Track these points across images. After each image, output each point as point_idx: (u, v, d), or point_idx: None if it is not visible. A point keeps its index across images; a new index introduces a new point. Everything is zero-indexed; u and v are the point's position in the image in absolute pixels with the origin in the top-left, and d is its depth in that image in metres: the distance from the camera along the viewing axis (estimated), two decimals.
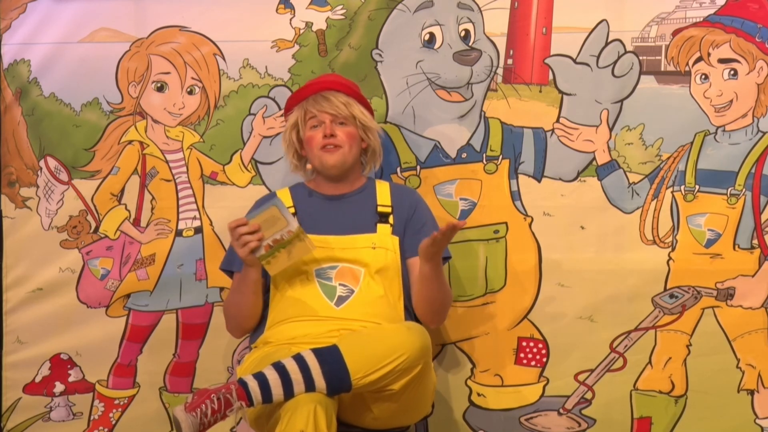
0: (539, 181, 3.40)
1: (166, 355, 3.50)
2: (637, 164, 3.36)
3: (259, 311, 3.09)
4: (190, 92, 3.48)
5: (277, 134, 3.42)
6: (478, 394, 3.44)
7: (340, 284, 3.04)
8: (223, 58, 3.47)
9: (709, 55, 3.33)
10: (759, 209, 3.34)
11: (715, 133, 3.34)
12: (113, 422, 3.51)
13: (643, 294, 3.37)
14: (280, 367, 2.74)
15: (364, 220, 3.13)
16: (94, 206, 3.50)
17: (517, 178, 3.40)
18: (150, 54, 3.48)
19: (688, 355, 3.38)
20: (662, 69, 3.36)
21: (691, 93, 3.35)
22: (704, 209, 3.35)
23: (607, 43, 3.36)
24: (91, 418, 3.52)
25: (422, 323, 3.01)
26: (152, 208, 3.49)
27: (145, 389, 3.51)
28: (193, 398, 2.71)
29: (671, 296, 3.36)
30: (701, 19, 3.34)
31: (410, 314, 3.10)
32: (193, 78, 3.48)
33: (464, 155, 3.41)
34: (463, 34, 3.40)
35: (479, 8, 3.40)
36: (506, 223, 3.41)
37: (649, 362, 3.39)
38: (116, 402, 3.51)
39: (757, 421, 3.37)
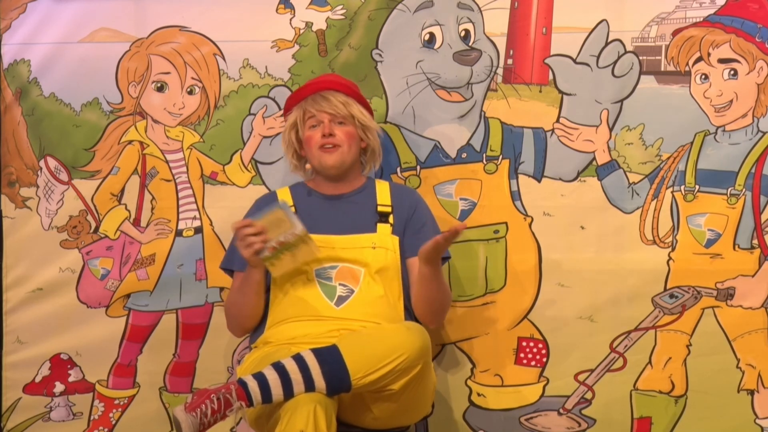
0: (539, 181, 3.40)
1: (166, 355, 3.50)
2: (637, 164, 3.36)
3: (261, 311, 3.09)
4: (190, 92, 3.48)
5: (277, 134, 3.42)
6: (478, 394, 3.44)
7: (340, 284, 3.04)
8: (223, 58, 3.47)
9: (709, 55, 3.33)
10: (759, 209, 3.34)
11: (715, 133, 3.34)
12: (113, 422, 3.51)
13: (643, 294, 3.37)
14: (279, 367, 2.74)
15: (364, 219, 3.13)
16: (94, 206, 3.50)
17: (517, 178, 3.40)
18: (150, 54, 3.48)
19: (688, 355, 3.38)
20: (662, 69, 3.36)
21: (691, 93, 3.35)
22: (704, 209, 3.35)
23: (607, 43, 3.36)
24: (91, 418, 3.52)
25: (421, 323, 3.01)
26: (152, 208, 3.49)
27: (145, 389, 3.51)
28: (193, 398, 2.71)
29: (671, 296, 3.36)
30: (701, 19, 3.34)
31: (410, 314, 3.10)
32: (193, 78, 3.48)
33: (464, 155, 3.41)
34: (463, 34, 3.40)
35: (479, 8, 3.40)
36: (506, 223, 3.41)
37: (649, 362, 3.39)
38: (116, 402, 3.51)
39: (757, 421, 3.37)
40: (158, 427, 3.50)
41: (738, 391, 3.37)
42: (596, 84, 3.36)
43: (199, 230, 3.48)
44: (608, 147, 3.37)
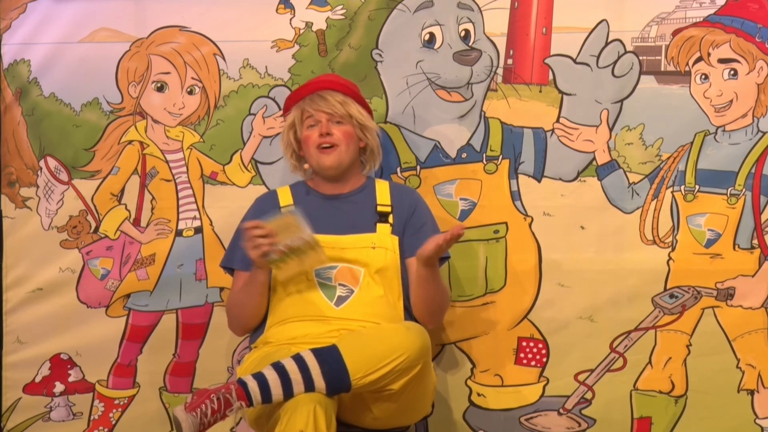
0: (539, 181, 3.39)
1: (166, 355, 3.50)
2: (637, 164, 3.36)
3: (264, 311, 3.08)
4: (190, 92, 3.48)
5: (277, 134, 3.42)
6: (478, 394, 3.44)
7: (339, 284, 3.04)
8: (223, 58, 3.47)
9: (709, 55, 3.33)
10: (759, 209, 3.34)
11: (715, 133, 3.34)
12: (113, 422, 3.51)
13: (643, 294, 3.37)
14: (279, 368, 2.74)
15: (364, 219, 3.13)
16: (94, 206, 3.50)
17: (517, 178, 3.40)
18: (150, 54, 3.48)
19: (688, 355, 3.37)
20: (662, 69, 3.36)
21: (691, 93, 3.35)
22: (704, 209, 3.35)
23: (607, 43, 3.36)
24: (91, 418, 3.52)
25: (421, 323, 3.01)
26: (152, 208, 3.49)
27: (145, 389, 3.51)
28: (193, 398, 2.71)
29: (671, 296, 3.36)
30: (701, 19, 3.34)
31: (410, 314, 3.10)
32: (193, 78, 3.48)
33: (464, 155, 3.41)
34: (463, 34, 3.40)
35: (479, 8, 3.40)
36: (506, 223, 3.41)
37: (649, 362, 3.38)
38: (116, 402, 3.51)
39: (757, 421, 3.37)
40: (158, 427, 3.50)
41: (738, 391, 3.36)
42: (596, 84, 3.36)
43: (199, 230, 3.48)
44: (608, 147, 3.37)
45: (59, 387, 3.51)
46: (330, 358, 2.75)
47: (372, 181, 3.23)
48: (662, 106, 3.35)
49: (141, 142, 3.49)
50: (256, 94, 3.45)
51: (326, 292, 3.03)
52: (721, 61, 3.33)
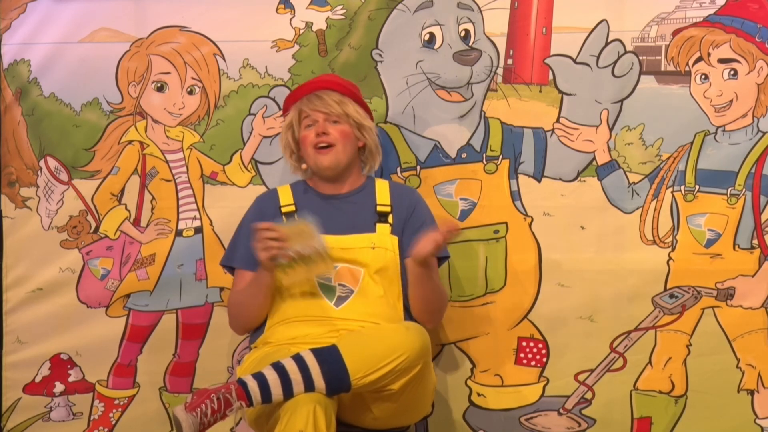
0: (539, 181, 3.39)
1: (166, 355, 3.50)
2: (637, 164, 3.36)
3: (266, 312, 3.07)
4: (190, 92, 3.48)
5: (277, 134, 3.42)
6: (478, 394, 3.44)
7: (339, 284, 3.04)
8: (223, 58, 3.47)
9: (709, 55, 3.33)
10: (759, 209, 3.34)
11: (715, 133, 3.34)
12: (113, 422, 3.51)
13: (643, 294, 3.37)
14: (279, 368, 2.74)
15: (364, 219, 3.12)
16: (94, 206, 3.50)
17: (517, 178, 3.40)
18: (150, 54, 3.48)
19: (688, 355, 3.37)
20: (662, 69, 3.36)
21: (691, 93, 3.35)
22: (704, 209, 3.35)
23: (607, 43, 3.36)
24: (91, 418, 3.52)
25: (420, 323, 3.00)
26: (152, 208, 3.49)
27: (145, 389, 3.51)
28: (193, 398, 2.71)
29: (671, 296, 3.36)
30: (701, 19, 3.34)
31: (410, 314, 3.10)
32: (193, 78, 3.48)
33: (464, 155, 3.41)
34: (463, 34, 3.40)
35: (479, 8, 3.40)
36: (506, 223, 3.41)
37: (649, 362, 3.38)
38: (116, 402, 3.51)
39: (757, 421, 3.37)
40: (158, 427, 3.50)
41: (738, 391, 3.36)
42: (596, 84, 3.36)
43: (199, 230, 3.48)
44: (608, 147, 3.37)
45: (59, 387, 3.51)
46: (330, 358, 2.75)
47: (372, 181, 3.23)
48: (662, 106, 3.35)
49: (141, 142, 3.49)
50: (256, 94, 3.45)
51: (326, 293, 3.03)
52: (721, 61, 3.33)
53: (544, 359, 3.41)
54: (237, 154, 3.47)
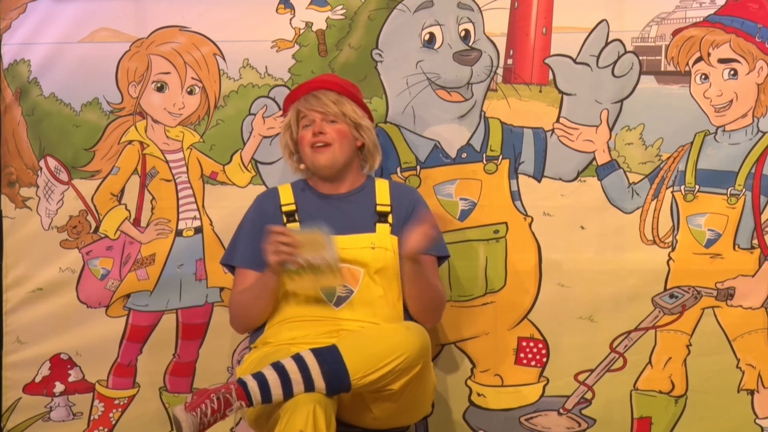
0: (539, 181, 3.39)
1: (166, 355, 3.50)
2: (637, 164, 3.36)
3: (269, 313, 3.06)
4: (190, 92, 3.48)
5: (277, 134, 3.42)
6: (478, 394, 3.44)
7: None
8: (223, 58, 3.47)
9: (709, 55, 3.33)
10: (759, 209, 3.34)
11: (715, 133, 3.34)
12: (113, 422, 3.51)
13: (643, 294, 3.37)
14: (279, 367, 2.74)
15: (364, 219, 3.12)
16: (94, 206, 3.50)
17: (517, 178, 3.40)
18: (150, 54, 3.48)
19: (688, 355, 3.37)
20: (662, 69, 3.36)
21: (691, 93, 3.35)
22: (704, 209, 3.35)
23: (607, 43, 3.36)
24: (91, 418, 3.52)
25: (418, 322, 3.00)
26: (152, 208, 3.49)
27: (145, 389, 3.51)
28: (193, 398, 2.71)
29: (671, 296, 3.36)
30: (701, 19, 3.34)
31: (410, 314, 3.10)
32: (193, 78, 3.48)
33: (464, 155, 3.41)
34: (463, 34, 3.40)
35: (479, 8, 3.40)
36: (506, 223, 3.41)
37: (649, 362, 3.38)
38: (116, 402, 3.51)
39: (757, 421, 3.37)
40: (158, 427, 3.50)
41: (738, 391, 3.36)
42: (596, 84, 3.36)
43: (199, 230, 3.48)
44: (608, 147, 3.37)
45: (59, 387, 3.51)
46: (330, 358, 2.74)
47: (372, 181, 3.23)
48: (662, 106, 3.35)
49: (141, 142, 3.49)
50: (256, 94, 3.45)
51: (326, 293, 3.03)
52: (721, 61, 3.33)
53: (544, 359, 3.41)
54: (237, 154, 3.47)
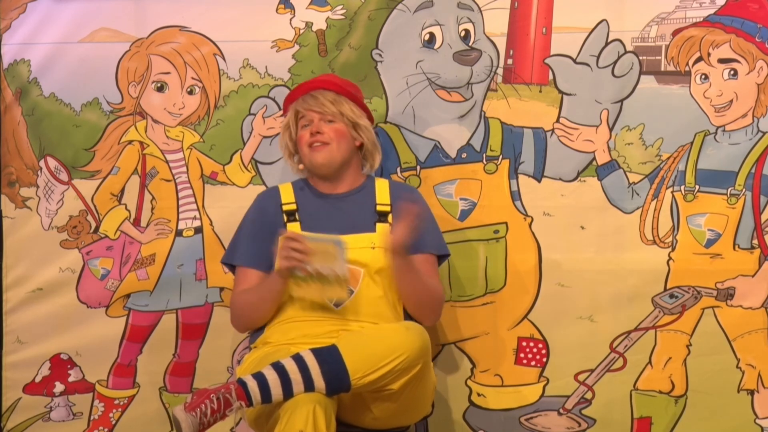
0: (539, 181, 3.39)
1: (166, 355, 3.50)
2: (637, 164, 3.36)
3: (272, 315, 3.06)
4: (190, 92, 3.48)
5: (277, 134, 3.42)
6: (478, 394, 3.44)
7: None
8: (223, 58, 3.47)
9: (709, 55, 3.33)
10: (759, 209, 3.34)
11: (715, 133, 3.34)
12: (113, 422, 3.51)
13: (643, 294, 3.37)
14: (279, 367, 2.74)
15: (364, 219, 3.12)
16: (94, 206, 3.50)
17: (517, 178, 3.40)
18: (150, 54, 3.48)
19: (688, 355, 3.37)
20: (662, 69, 3.36)
21: (691, 93, 3.35)
22: (704, 209, 3.35)
23: (607, 43, 3.36)
24: (91, 418, 3.52)
25: (418, 322, 3.00)
26: (152, 208, 3.49)
27: (145, 389, 3.51)
28: (193, 398, 2.71)
29: (671, 296, 3.36)
30: (701, 19, 3.34)
31: (410, 314, 3.10)
32: (193, 78, 3.48)
33: (464, 155, 3.41)
34: (463, 34, 3.40)
35: (479, 8, 3.40)
36: (506, 223, 3.41)
37: (649, 362, 3.38)
38: (116, 402, 3.51)
39: (757, 421, 3.37)
40: (158, 427, 3.50)
41: (738, 391, 3.36)
42: (596, 84, 3.36)
43: (199, 230, 3.48)
44: (608, 147, 3.37)
45: (59, 387, 3.51)
46: (330, 358, 2.74)
47: (372, 181, 3.23)
48: (662, 106, 3.35)
49: (141, 142, 3.49)
50: (256, 94, 3.45)
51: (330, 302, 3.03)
52: (721, 61, 3.33)
53: (544, 359, 3.41)
54: (237, 154, 3.47)
